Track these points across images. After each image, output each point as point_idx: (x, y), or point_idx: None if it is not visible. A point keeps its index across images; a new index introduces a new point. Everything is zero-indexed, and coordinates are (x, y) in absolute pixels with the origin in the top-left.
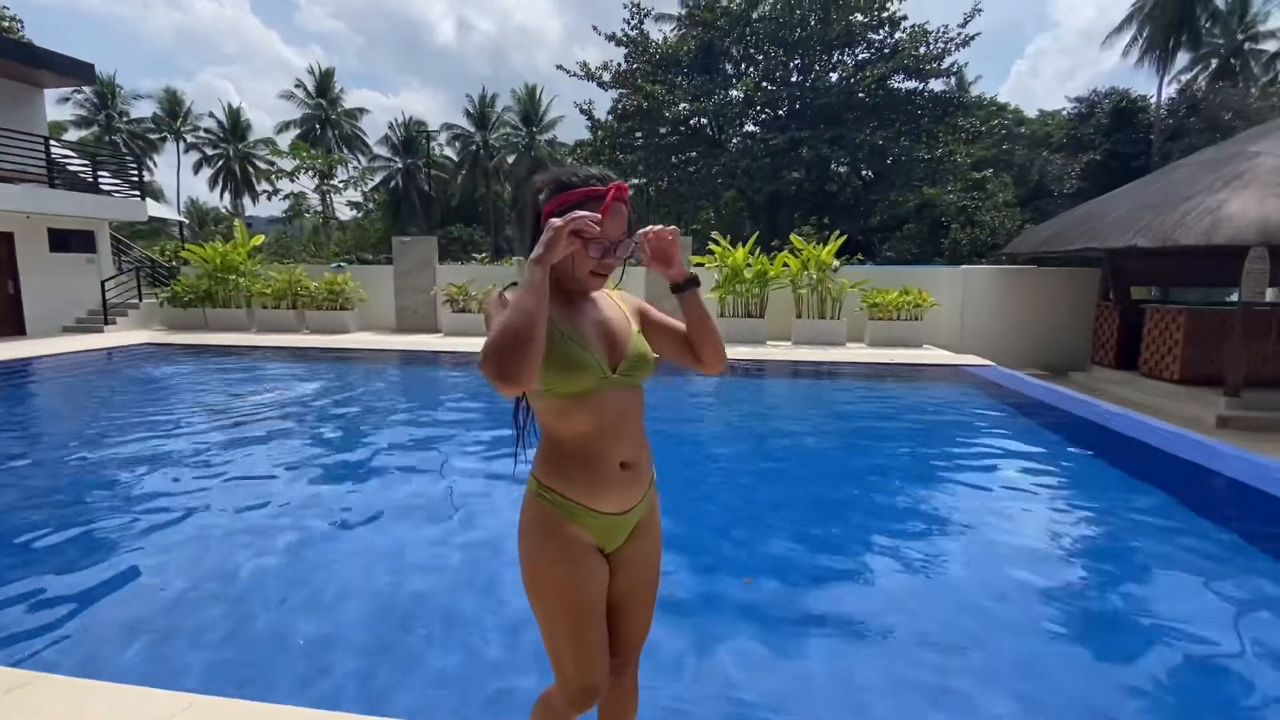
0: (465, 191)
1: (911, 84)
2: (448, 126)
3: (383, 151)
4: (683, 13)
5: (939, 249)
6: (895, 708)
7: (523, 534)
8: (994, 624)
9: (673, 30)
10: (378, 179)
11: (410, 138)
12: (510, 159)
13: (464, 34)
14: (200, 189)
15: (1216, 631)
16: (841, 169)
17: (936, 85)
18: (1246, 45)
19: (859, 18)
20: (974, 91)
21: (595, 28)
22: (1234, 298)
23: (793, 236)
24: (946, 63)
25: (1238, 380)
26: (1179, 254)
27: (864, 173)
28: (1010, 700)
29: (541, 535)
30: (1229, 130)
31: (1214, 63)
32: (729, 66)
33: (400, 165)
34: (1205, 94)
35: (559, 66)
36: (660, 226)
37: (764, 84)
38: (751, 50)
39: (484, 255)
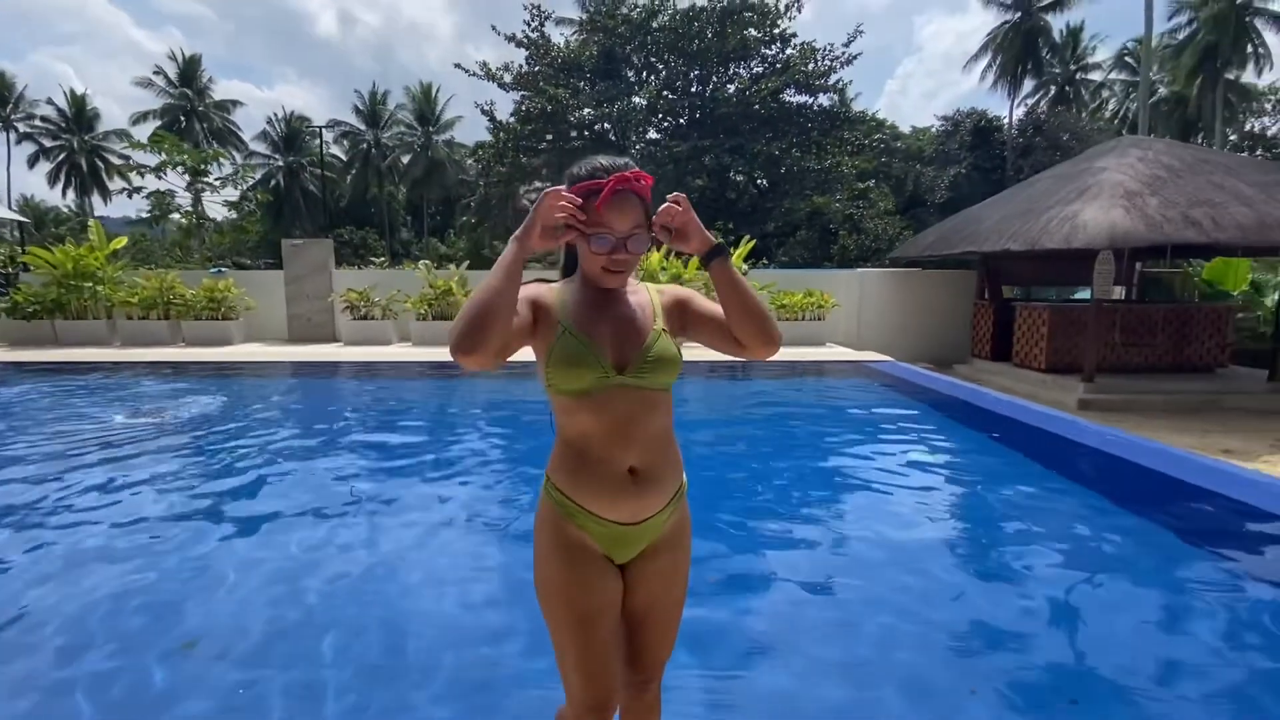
0: (356, 192)
1: (802, 98)
2: (335, 123)
3: (260, 148)
4: (584, 18)
5: (829, 254)
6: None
7: (534, 532)
8: (893, 586)
9: (573, 34)
10: (257, 177)
11: (292, 134)
12: (405, 159)
13: (347, 26)
14: (36, 185)
15: (1082, 573)
16: (740, 177)
17: (825, 101)
18: (1077, 75)
19: (753, 33)
20: (855, 107)
21: (494, 27)
22: (1085, 295)
23: None
24: (832, 79)
25: (1092, 368)
26: (1042, 256)
27: (759, 181)
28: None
29: (546, 534)
30: (1067, 149)
31: (1053, 89)
32: (631, 74)
33: (282, 163)
34: (1047, 116)
35: (457, 65)
36: (667, 202)
37: (665, 93)
38: (652, 59)
39: (382, 259)
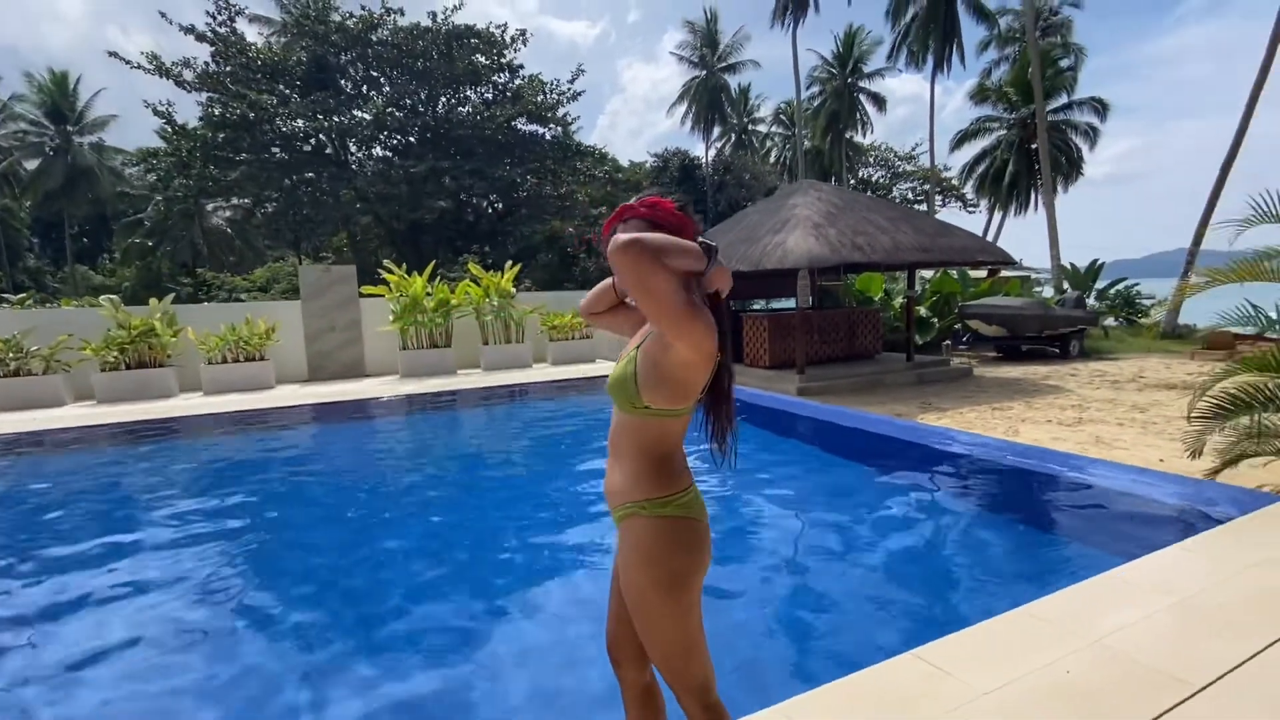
0: None
1: (534, 128)
2: None
3: None
4: (286, 19)
5: (571, 276)
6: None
7: None
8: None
9: (273, 34)
10: None
11: None
12: (31, 164)
13: None
14: None
15: (815, 498)
16: (480, 200)
17: (555, 132)
18: (749, 126)
19: (482, 59)
20: (576, 139)
21: (163, 14)
22: (782, 305)
23: (471, 265)
24: (560, 112)
25: (803, 362)
26: (757, 275)
27: (497, 204)
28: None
29: None
30: (750, 186)
31: (733, 136)
32: (349, 86)
33: None
34: (732, 158)
35: (113, 54)
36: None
37: (392, 109)
38: (374, 73)
39: (26, 297)
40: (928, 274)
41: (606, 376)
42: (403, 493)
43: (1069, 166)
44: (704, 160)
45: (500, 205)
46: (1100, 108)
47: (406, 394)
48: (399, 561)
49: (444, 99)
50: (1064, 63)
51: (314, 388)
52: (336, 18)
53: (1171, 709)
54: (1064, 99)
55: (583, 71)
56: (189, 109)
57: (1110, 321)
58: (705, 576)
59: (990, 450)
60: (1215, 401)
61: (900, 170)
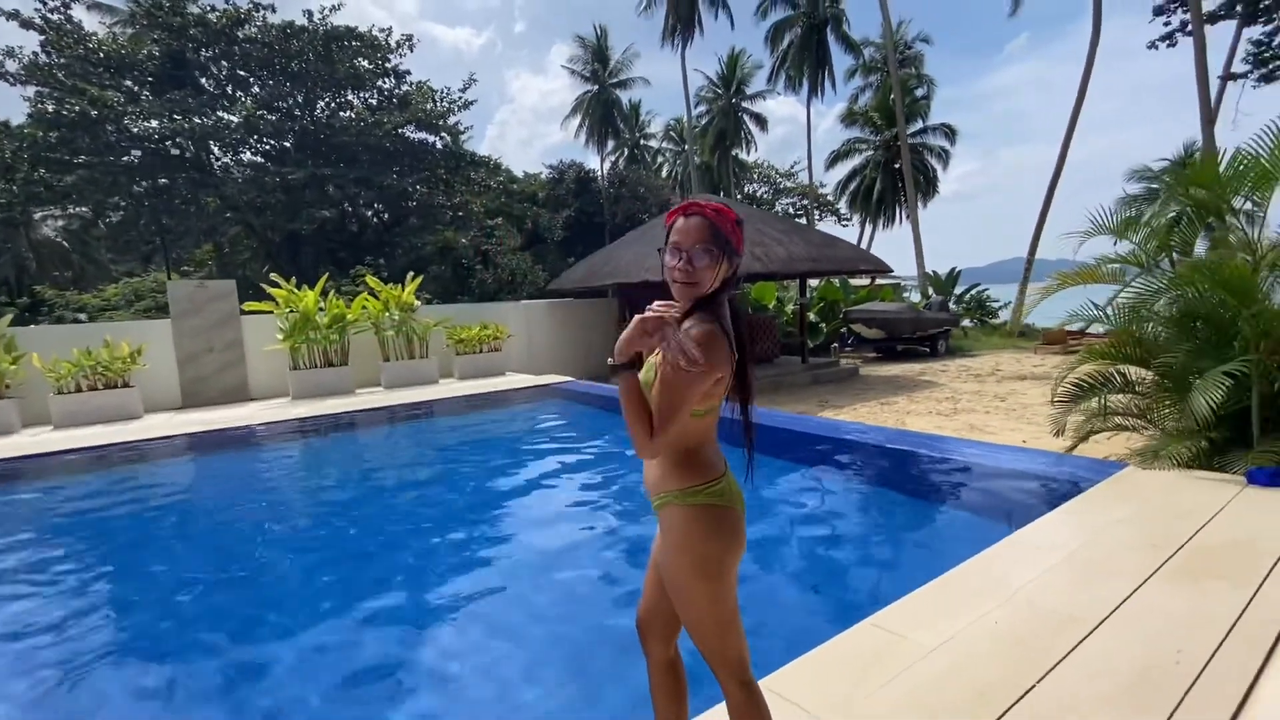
0: None
1: (423, 136)
2: None
3: None
4: (135, 9)
5: (468, 288)
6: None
7: None
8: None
9: (117, 24)
10: None
11: None
12: None
13: None
14: None
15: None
16: (367, 210)
17: (446, 141)
18: (641, 141)
19: (365, 64)
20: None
21: None
22: None
23: (369, 278)
24: (452, 121)
25: None
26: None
27: (384, 214)
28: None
29: None
30: (644, 199)
31: (626, 150)
32: (211, 85)
33: None
34: (626, 173)
35: None
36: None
37: (263, 112)
38: (242, 73)
39: None
40: (813, 282)
41: (519, 390)
42: (294, 528)
43: (926, 184)
44: (599, 173)
45: (387, 215)
46: (950, 133)
47: (298, 417)
48: (281, 625)
49: (323, 103)
50: (919, 92)
51: (190, 415)
52: (195, 9)
53: (1079, 643)
54: (920, 124)
55: (475, 81)
56: (13, 105)
57: (967, 323)
58: (740, 561)
59: (891, 438)
60: (1071, 387)
61: (782, 186)
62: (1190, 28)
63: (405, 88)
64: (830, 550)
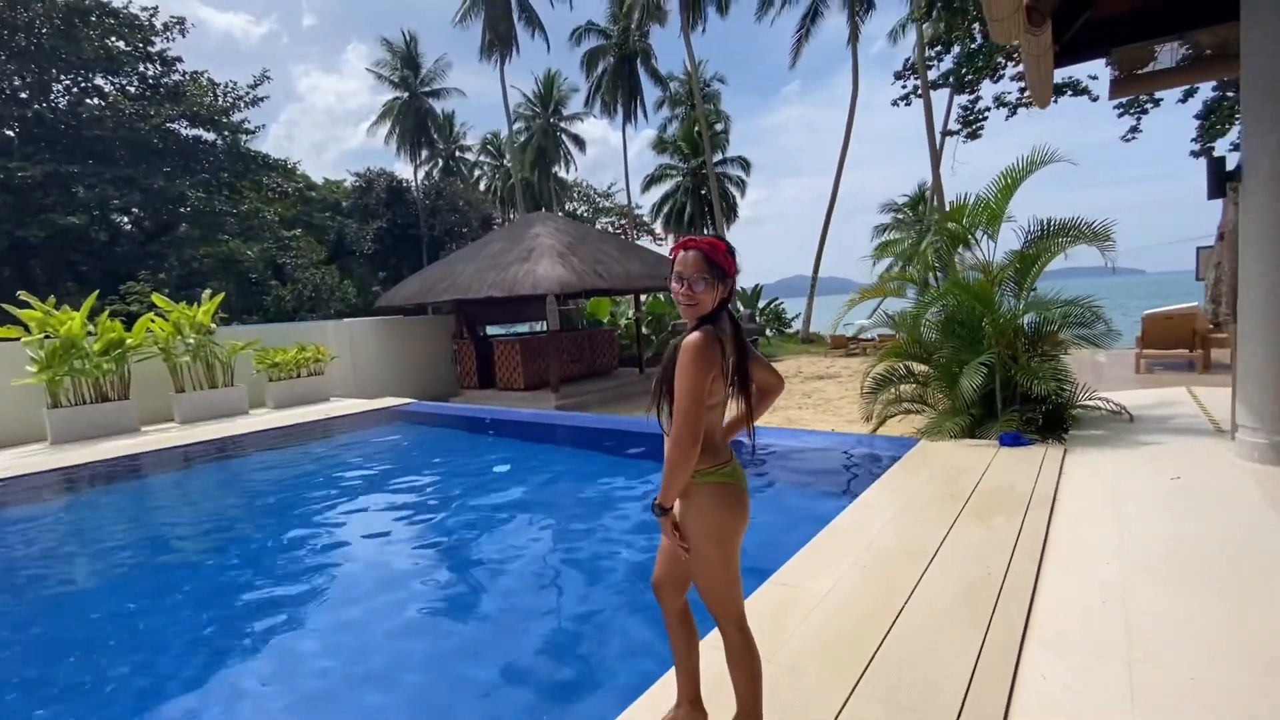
0: None
1: (199, 132)
2: None
3: None
4: None
5: (260, 305)
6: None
7: None
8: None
9: None
10: None
11: None
12: None
13: None
14: None
15: (582, 486)
16: (121, 217)
17: (226, 139)
18: (456, 153)
19: (120, 44)
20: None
21: None
22: (522, 329)
23: (155, 297)
24: (237, 118)
25: (558, 381)
26: (505, 301)
27: (144, 222)
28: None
29: None
30: (464, 213)
31: (441, 161)
32: None
33: None
34: (443, 185)
35: None
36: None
37: None
38: None
39: None
40: (641, 298)
41: (351, 416)
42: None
43: (728, 209)
44: (414, 183)
45: (149, 223)
46: (745, 164)
47: (61, 466)
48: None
49: (61, 87)
50: (718, 126)
51: None
52: None
53: (924, 572)
54: (720, 155)
55: (269, 78)
56: None
57: (769, 332)
58: (745, 532)
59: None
60: (875, 380)
61: (601, 206)
62: (920, 92)
63: (176, 76)
64: (768, 516)
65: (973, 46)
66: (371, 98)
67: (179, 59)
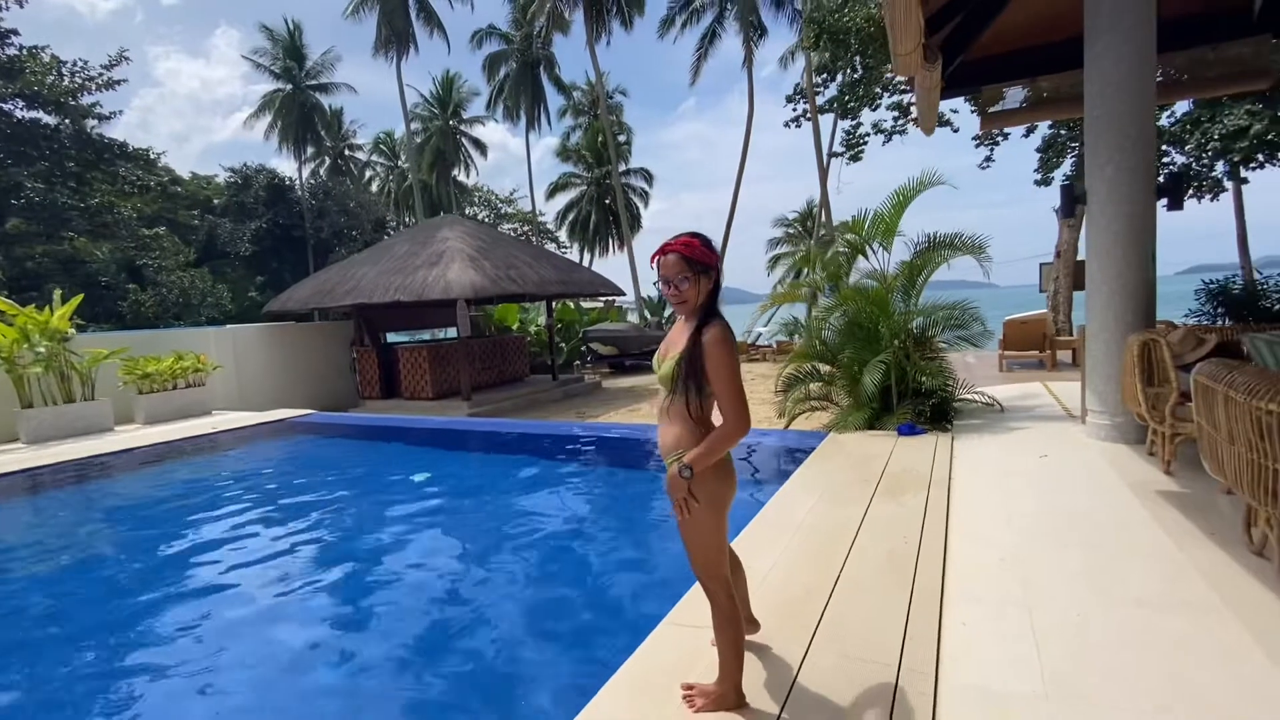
0: None
1: (43, 116)
2: None
3: None
4: None
5: (114, 312)
6: None
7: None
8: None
9: None
10: None
11: None
12: None
13: None
14: None
15: (512, 487)
16: None
17: (77, 125)
18: (345, 151)
19: None
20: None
21: None
22: (442, 334)
23: (0, 301)
24: (87, 101)
25: (469, 389)
26: (410, 306)
27: None
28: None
29: None
30: (355, 214)
31: (328, 159)
32: None
33: None
34: (331, 184)
35: None
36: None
37: None
38: None
39: None
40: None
41: (239, 430)
42: None
43: (633, 219)
44: (298, 181)
45: None
46: (648, 176)
47: None
48: None
49: None
50: (621, 138)
51: None
52: None
53: (851, 545)
54: (624, 166)
55: (127, 58)
56: None
57: None
58: (731, 501)
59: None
60: (786, 380)
61: (503, 212)
62: (809, 115)
63: (11, 50)
64: (670, 520)
65: (855, 76)
66: (245, 87)
67: (14, 31)
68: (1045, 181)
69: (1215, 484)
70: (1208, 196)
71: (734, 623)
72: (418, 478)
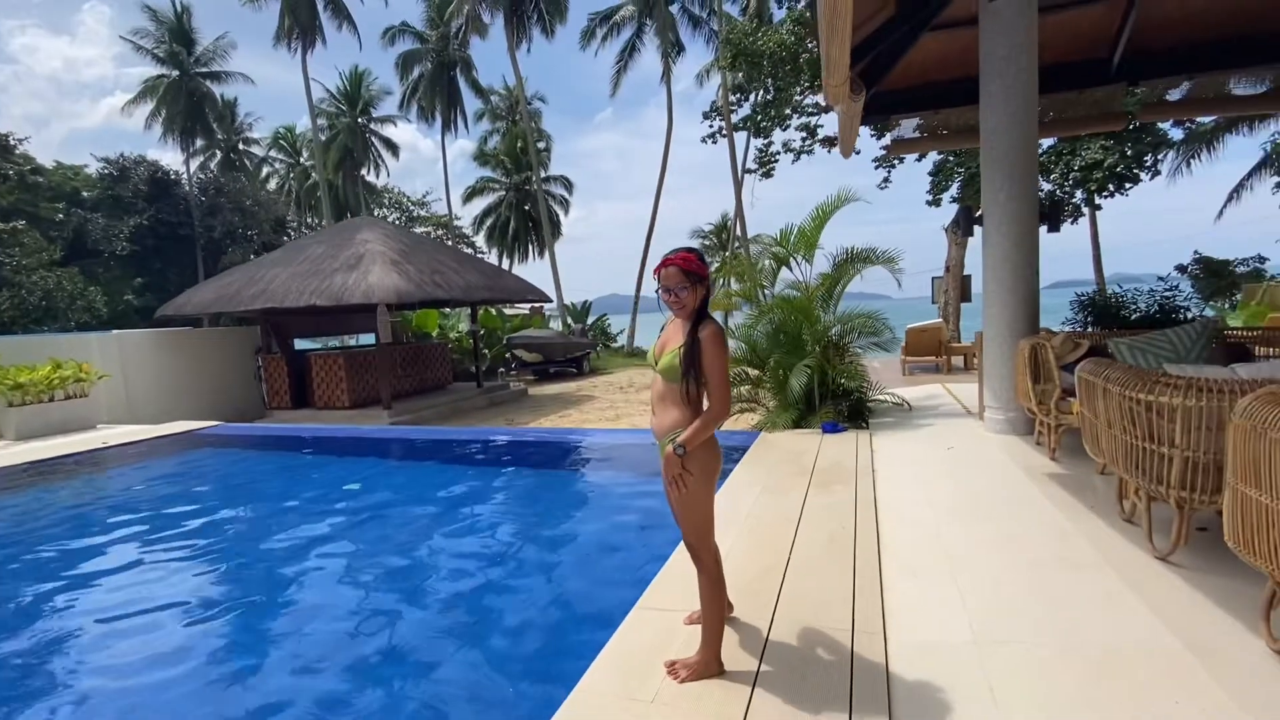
0: None
1: None
2: None
3: None
4: None
5: None
6: None
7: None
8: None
9: None
10: None
11: None
12: None
13: None
14: None
15: (430, 487)
16: None
17: None
18: (240, 145)
19: None
20: None
21: None
22: (353, 341)
23: None
24: None
25: (389, 397)
26: (325, 311)
27: None
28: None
29: None
30: (251, 212)
31: (220, 154)
32: None
33: None
34: (224, 180)
35: None
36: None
37: None
38: None
39: None
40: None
41: (130, 446)
42: None
43: (553, 226)
44: (185, 176)
45: None
46: (568, 183)
47: None
48: None
49: None
50: (540, 145)
51: None
52: None
53: (796, 533)
54: (544, 173)
55: None
56: None
57: (598, 347)
58: (718, 473)
59: (620, 437)
60: None
61: (415, 215)
62: (725, 132)
63: None
64: (625, 516)
65: (767, 98)
66: (118, 69)
67: None
68: (936, 202)
69: (1093, 466)
70: (1069, 220)
71: (720, 589)
72: (351, 486)
